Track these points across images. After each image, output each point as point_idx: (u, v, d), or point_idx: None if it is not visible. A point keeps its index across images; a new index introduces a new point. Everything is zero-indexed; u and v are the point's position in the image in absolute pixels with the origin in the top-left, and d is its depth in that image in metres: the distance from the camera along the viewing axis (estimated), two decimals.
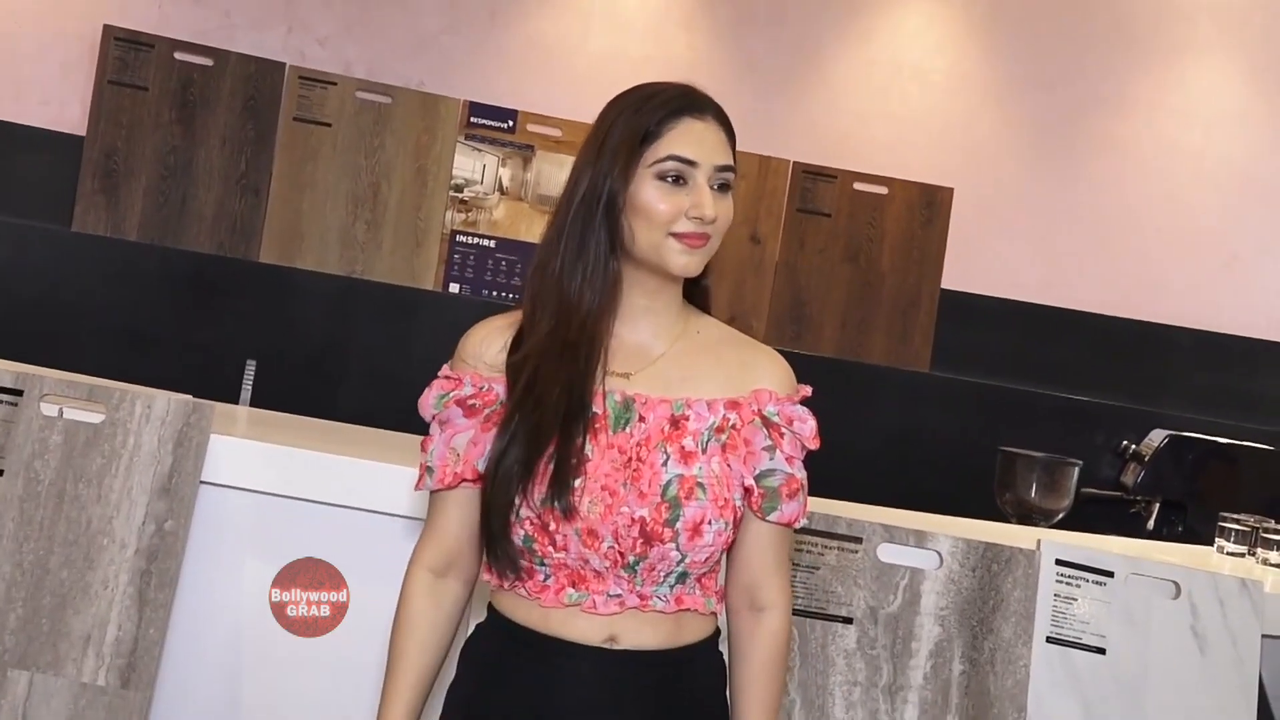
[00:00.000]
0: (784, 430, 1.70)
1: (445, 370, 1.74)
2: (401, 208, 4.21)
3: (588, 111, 1.84)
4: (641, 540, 1.63)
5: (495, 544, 1.67)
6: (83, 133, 4.05)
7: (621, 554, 1.64)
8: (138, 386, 2.26)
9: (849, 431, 3.86)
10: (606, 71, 4.38)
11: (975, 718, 2.24)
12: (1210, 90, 4.72)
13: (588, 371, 1.67)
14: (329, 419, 2.93)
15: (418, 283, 4.19)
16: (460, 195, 4.25)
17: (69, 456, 2.17)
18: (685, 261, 1.68)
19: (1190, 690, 2.32)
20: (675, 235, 1.67)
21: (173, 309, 3.98)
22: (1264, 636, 2.38)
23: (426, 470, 1.72)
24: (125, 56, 4.06)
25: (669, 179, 1.67)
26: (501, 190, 4.28)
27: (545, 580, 1.67)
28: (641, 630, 1.67)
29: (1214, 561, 2.80)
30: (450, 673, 1.77)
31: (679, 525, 1.64)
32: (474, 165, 4.26)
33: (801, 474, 1.72)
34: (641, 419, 1.67)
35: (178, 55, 4.11)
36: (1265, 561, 2.85)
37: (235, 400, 3.41)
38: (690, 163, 1.67)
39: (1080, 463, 3.66)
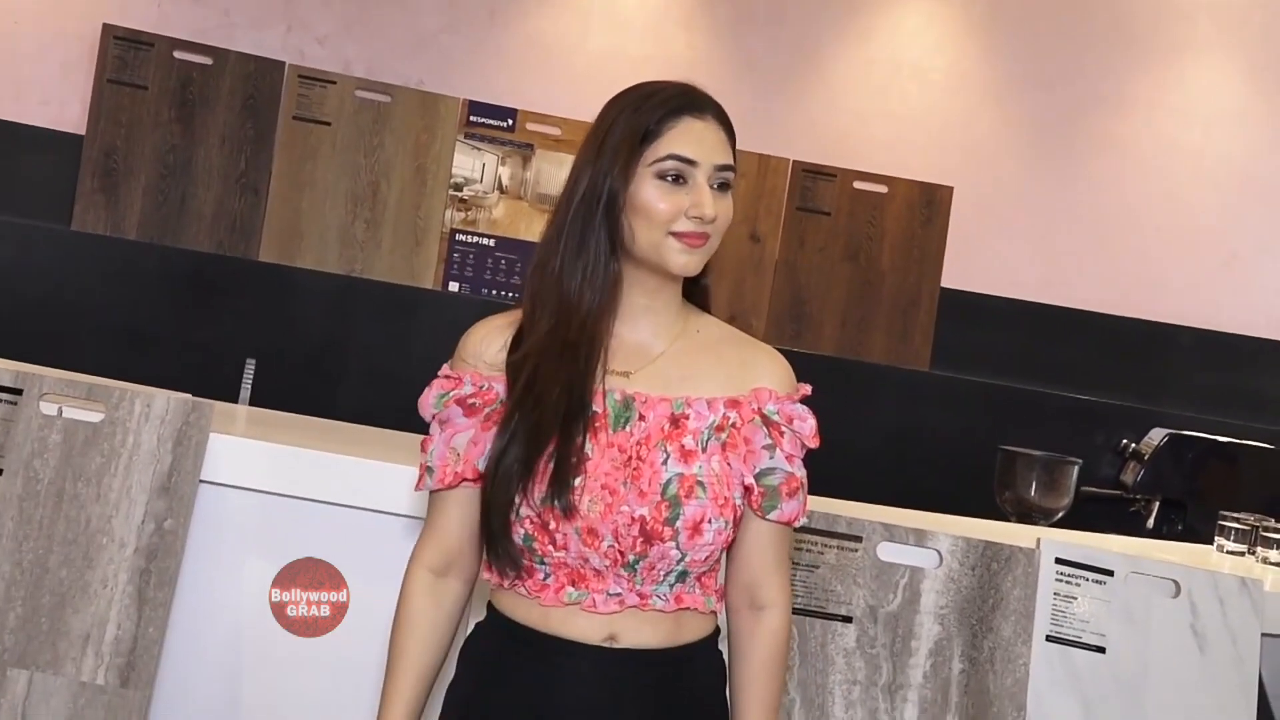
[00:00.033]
0: (784, 429, 1.70)
1: (445, 369, 1.74)
2: (401, 206, 4.21)
3: (587, 110, 1.83)
4: (641, 539, 1.63)
5: (495, 543, 1.67)
6: (82, 132, 4.05)
7: (621, 553, 1.64)
8: (137, 385, 2.26)
9: (849, 430, 3.87)
10: (606, 70, 4.38)
11: (975, 716, 2.24)
12: (1209, 89, 4.72)
13: (587, 370, 1.67)
14: (328, 418, 2.93)
15: (417, 281, 4.19)
16: (460, 194, 4.25)
17: (68, 455, 2.17)
18: (685, 261, 1.68)
19: (1190, 689, 2.32)
20: (675, 234, 1.67)
21: (172, 308, 3.98)
22: (1264, 635, 2.38)
23: (426, 470, 1.72)
24: (125, 55, 4.06)
25: (669, 178, 1.67)
26: (501, 189, 4.28)
27: (545, 579, 1.67)
28: (641, 629, 1.67)
29: (1214, 560, 2.80)
30: (449, 672, 1.77)
31: (679, 524, 1.64)
32: (473, 164, 4.26)
33: (801, 472, 1.72)
34: (641, 418, 1.67)
35: (177, 54, 4.10)
36: (1265, 560, 2.85)
37: (235, 399, 3.41)
38: (690, 162, 1.67)
39: (1080, 461, 3.66)
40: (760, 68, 4.53)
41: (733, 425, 1.69)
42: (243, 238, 4.12)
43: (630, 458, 1.65)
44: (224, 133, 4.12)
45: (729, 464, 1.68)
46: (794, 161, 4.43)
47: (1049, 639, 2.28)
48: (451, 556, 1.74)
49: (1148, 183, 4.70)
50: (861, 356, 4.42)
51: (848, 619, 2.24)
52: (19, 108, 4.09)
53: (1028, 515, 3.58)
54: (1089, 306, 4.61)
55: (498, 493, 1.65)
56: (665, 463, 1.65)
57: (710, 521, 1.65)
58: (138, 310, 3.95)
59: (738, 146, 1.74)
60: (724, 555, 1.74)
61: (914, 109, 4.61)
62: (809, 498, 1.75)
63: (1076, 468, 3.63)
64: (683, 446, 1.66)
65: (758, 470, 1.69)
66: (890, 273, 4.47)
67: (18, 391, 2.18)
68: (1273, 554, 2.85)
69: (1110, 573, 2.32)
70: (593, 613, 1.66)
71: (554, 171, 4.27)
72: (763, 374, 1.73)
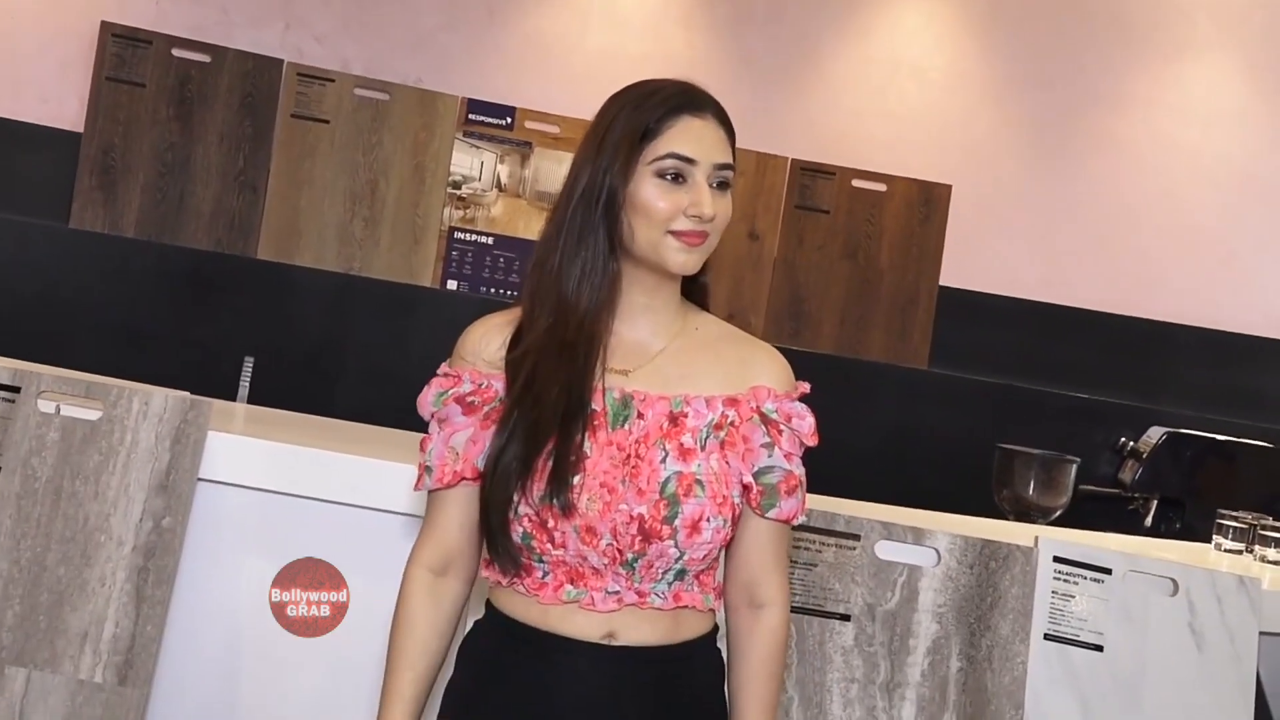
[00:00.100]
0: (782, 427, 1.70)
1: (444, 368, 1.74)
2: (399, 205, 4.21)
3: (586, 108, 1.83)
4: (640, 537, 1.63)
5: (494, 541, 1.67)
6: (80, 129, 4.05)
7: (620, 551, 1.64)
8: (135, 383, 2.26)
9: (847, 428, 3.87)
10: (605, 69, 4.38)
11: (973, 715, 2.24)
12: (1208, 88, 4.72)
13: (586, 369, 1.67)
14: (327, 416, 2.93)
15: (416, 280, 4.18)
16: (458, 192, 4.25)
17: (66, 453, 2.17)
18: (684, 259, 1.68)
19: (1188, 687, 2.32)
20: (674, 233, 1.67)
21: (170, 306, 3.98)
22: (1261, 634, 2.38)
23: (425, 470, 1.72)
24: (123, 53, 4.06)
25: (668, 177, 1.67)
26: (499, 187, 4.28)
27: (543, 577, 1.67)
28: (640, 627, 1.67)
29: (1212, 559, 2.80)
30: (449, 670, 1.77)
31: (677, 522, 1.64)
32: (472, 162, 4.26)
33: (800, 471, 1.72)
34: (640, 416, 1.67)
35: (175, 52, 4.10)
36: (1263, 559, 2.85)
37: (233, 397, 3.40)
38: (689, 161, 1.67)
39: (1078, 460, 3.66)
40: (759, 66, 4.53)
41: (731, 423, 1.69)
42: (241, 235, 4.12)
43: (629, 456, 1.65)
44: (222, 130, 4.12)
45: (727, 462, 1.68)
46: (793, 160, 4.43)
47: (1047, 637, 2.28)
48: (451, 555, 1.74)
49: (1146, 181, 4.70)
50: (860, 355, 4.42)
51: (846, 617, 2.24)
52: (17, 105, 4.09)
53: (1026, 514, 3.58)
54: (1087, 305, 4.62)
55: (496, 491, 1.65)
56: (664, 461, 1.65)
57: (709, 520, 1.65)
58: (136, 308, 3.95)
59: (736, 145, 1.74)
60: (722, 553, 1.74)
61: (913, 107, 4.61)
62: (807, 496, 1.75)
63: (1075, 466, 3.63)
64: (681, 445, 1.66)
65: (756, 468, 1.69)
66: (889, 271, 4.47)
67: (16, 389, 2.18)
68: (1270, 552, 2.85)
69: (1108, 571, 2.32)
70: (591, 611, 1.66)
71: (553, 170, 4.27)
72: (761, 372, 1.73)
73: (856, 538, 2.25)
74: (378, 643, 1.82)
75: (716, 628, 1.76)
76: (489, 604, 1.74)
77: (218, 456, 2.22)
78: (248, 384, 3.17)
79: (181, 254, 4.01)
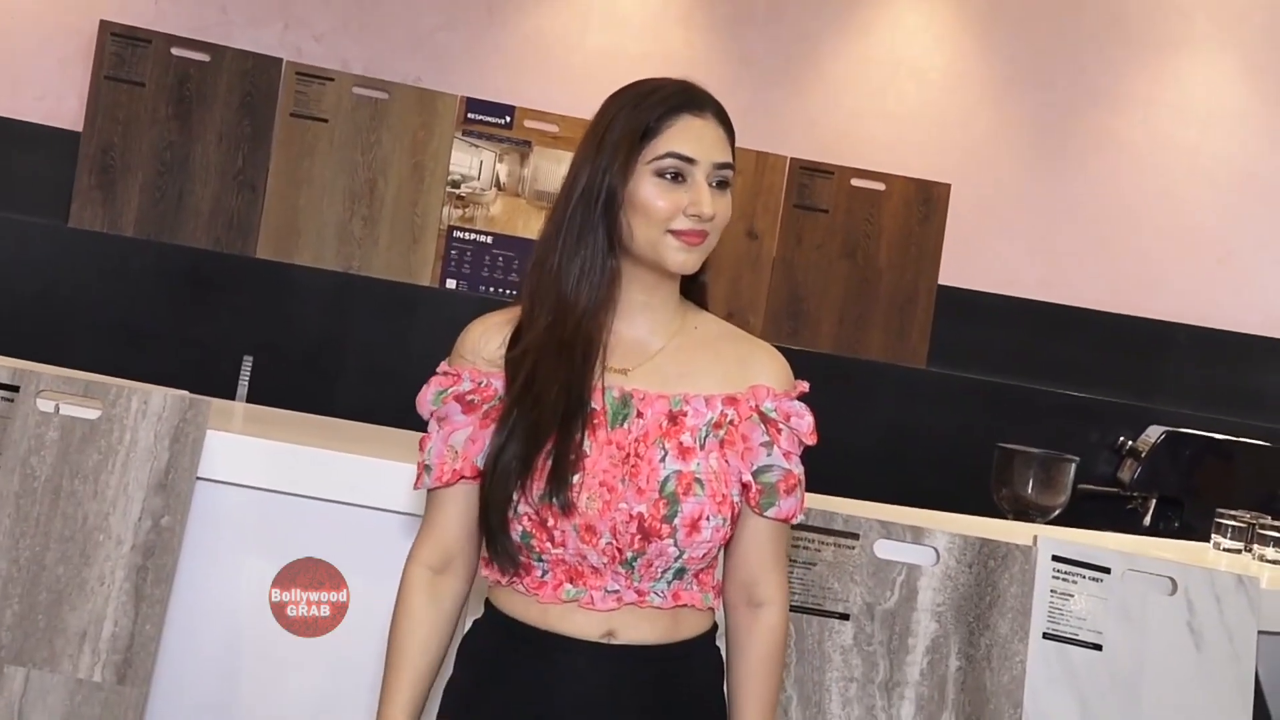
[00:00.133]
0: (781, 426, 1.70)
1: (443, 366, 1.74)
2: (398, 203, 4.21)
3: (585, 108, 1.83)
4: (640, 536, 1.63)
5: (494, 539, 1.67)
6: (79, 128, 4.04)
7: (619, 550, 1.64)
8: (134, 382, 2.26)
9: (846, 427, 3.87)
10: (604, 68, 4.38)
11: (972, 714, 2.24)
12: (1206, 86, 4.72)
13: (586, 368, 1.67)
14: (326, 415, 2.93)
15: (415, 279, 4.18)
16: (457, 191, 4.25)
17: (65, 452, 2.17)
18: (683, 259, 1.68)
19: (1186, 686, 2.32)
20: (673, 232, 1.67)
21: (169, 305, 3.98)
22: (1260, 633, 2.38)
23: (425, 469, 1.72)
24: (122, 52, 4.06)
25: (668, 176, 1.67)
26: (498, 186, 4.28)
27: (543, 576, 1.67)
28: (639, 625, 1.67)
29: (1210, 558, 2.80)
30: (448, 670, 1.77)
31: (677, 521, 1.64)
32: (471, 161, 4.26)
33: (799, 470, 1.72)
34: (639, 415, 1.67)
35: (174, 51, 4.10)
36: (1261, 558, 2.85)
37: (232, 396, 3.40)
38: (689, 160, 1.67)
39: (1077, 459, 3.66)
40: (758, 65, 4.53)
41: (730, 422, 1.69)
42: (240, 234, 4.11)
43: (628, 455, 1.65)
44: (221, 129, 4.12)
45: (727, 461, 1.68)
46: (792, 159, 4.43)
47: (1046, 636, 2.28)
48: (450, 554, 1.74)
49: (1144, 180, 4.70)
50: (859, 354, 4.42)
51: (845, 616, 2.24)
52: (16, 104, 4.09)
53: (1025, 513, 3.58)
54: (1086, 304, 4.62)
55: (496, 490, 1.65)
56: (663, 460, 1.65)
57: (708, 519, 1.65)
58: (135, 307, 3.95)
59: (736, 144, 1.74)
60: (721, 552, 1.74)
61: (912, 107, 4.61)
62: (806, 495, 1.75)
63: (1073, 465, 3.63)
64: (681, 444, 1.66)
65: (755, 467, 1.69)
66: (888, 270, 4.48)
67: (14, 388, 2.18)
68: (1269, 551, 2.85)
69: (1107, 570, 2.32)
70: (590, 609, 1.66)
71: (552, 169, 4.27)
72: (760, 371, 1.73)
73: (855, 537, 2.26)
74: (378, 643, 1.82)
75: (716, 626, 1.76)
76: (488, 603, 1.74)
77: (217, 456, 2.22)
78: (247, 383, 3.17)
79: (180, 253, 4.01)
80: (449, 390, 1.71)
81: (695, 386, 1.70)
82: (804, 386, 1.75)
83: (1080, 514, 3.68)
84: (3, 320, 3.75)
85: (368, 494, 2.26)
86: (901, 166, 4.51)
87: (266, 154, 4.13)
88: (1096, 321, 4.60)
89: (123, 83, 4.05)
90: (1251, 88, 4.74)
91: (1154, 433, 4.23)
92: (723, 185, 1.70)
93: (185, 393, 2.21)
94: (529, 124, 4.28)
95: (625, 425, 1.67)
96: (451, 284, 4.23)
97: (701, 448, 1.67)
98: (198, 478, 2.19)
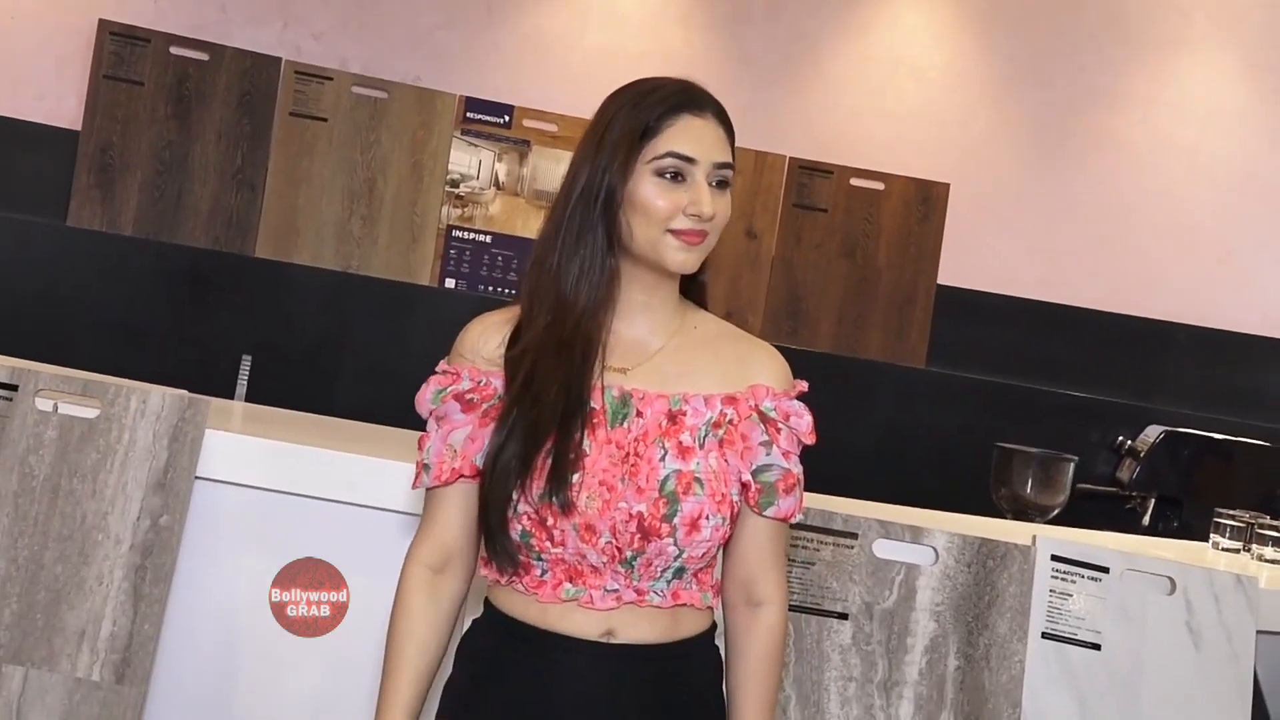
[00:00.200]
0: (780, 425, 1.70)
1: (442, 365, 1.74)
2: (397, 203, 4.20)
3: (584, 107, 1.83)
4: (639, 535, 1.63)
5: (493, 539, 1.67)
6: (78, 127, 4.04)
7: (619, 549, 1.64)
8: (133, 381, 2.26)
9: (845, 427, 3.87)
10: (603, 67, 4.38)
11: (970, 713, 2.24)
12: (1206, 85, 4.72)
13: (585, 367, 1.67)
14: (325, 414, 2.93)
15: (414, 278, 4.18)
16: (456, 190, 4.25)
17: (64, 452, 2.17)
18: (683, 258, 1.68)
19: (1185, 686, 2.32)
20: (673, 232, 1.67)
21: (168, 304, 3.98)
22: (1259, 632, 2.39)
23: (424, 468, 1.72)
24: (121, 51, 4.06)
25: (667, 175, 1.67)
26: (498, 185, 4.28)
27: (542, 575, 1.67)
28: (638, 625, 1.67)
29: (1209, 557, 2.80)
30: (447, 669, 1.77)
31: (676, 520, 1.64)
32: (470, 160, 4.26)
33: (798, 469, 1.72)
34: (639, 414, 1.67)
35: (173, 50, 4.10)
36: (1260, 557, 2.85)
37: (231, 395, 3.40)
38: (689, 159, 1.67)
39: (1076, 458, 3.66)
40: (757, 64, 4.53)
41: (730, 422, 1.69)
42: (239, 234, 4.11)
43: (628, 454, 1.65)
44: (220, 129, 4.12)
45: (726, 460, 1.68)
46: (791, 158, 4.43)
47: (1044, 636, 2.28)
48: (449, 553, 1.74)
49: (1144, 179, 4.70)
50: (858, 353, 4.42)
51: (844, 616, 2.24)
52: (15, 103, 4.09)
53: (1024, 512, 3.58)
54: (1085, 304, 4.62)
55: (495, 489, 1.65)
56: (663, 459, 1.65)
57: (708, 518, 1.65)
58: (134, 306, 3.95)
59: (735, 143, 1.74)
60: (721, 551, 1.74)
61: (911, 106, 4.61)
62: (805, 494, 1.75)
63: (1072, 465, 3.64)
64: (680, 443, 1.66)
65: (755, 467, 1.69)
66: (887, 269, 4.48)
67: (13, 387, 2.17)
68: (1268, 551, 2.85)
69: (1106, 570, 2.32)
70: (590, 609, 1.66)
71: (551, 168, 4.27)
72: (760, 371, 1.73)
73: (854, 536, 2.26)
74: (377, 643, 1.82)
75: (715, 625, 1.76)
76: (487, 602, 1.74)
77: (216, 455, 2.22)
78: (246, 382, 3.16)
79: (179, 252, 4.01)
80: (448, 389, 1.71)
81: (695, 386, 1.70)
82: (803, 386, 1.75)
83: (1079, 514, 3.68)
84: (2, 319, 3.75)
85: (367, 493, 2.26)
86: (901, 166, 4.51)
87: (265, 153, 4.13)
88: (1096, 321, 4.60)
89: (122, 82, 4.05)
90: (1251, 87, 4.74)
91: (1153, 432, 4.24)
92: (722, 185, 1.70)
93: (184, 392, 2.21)
94: (528, 123, 4.28)
95: (625, 424, 1.67)
96: (450, 283, 4.23)
97: (701, 447, 1.67)
98: (196, 477, 2.19)
